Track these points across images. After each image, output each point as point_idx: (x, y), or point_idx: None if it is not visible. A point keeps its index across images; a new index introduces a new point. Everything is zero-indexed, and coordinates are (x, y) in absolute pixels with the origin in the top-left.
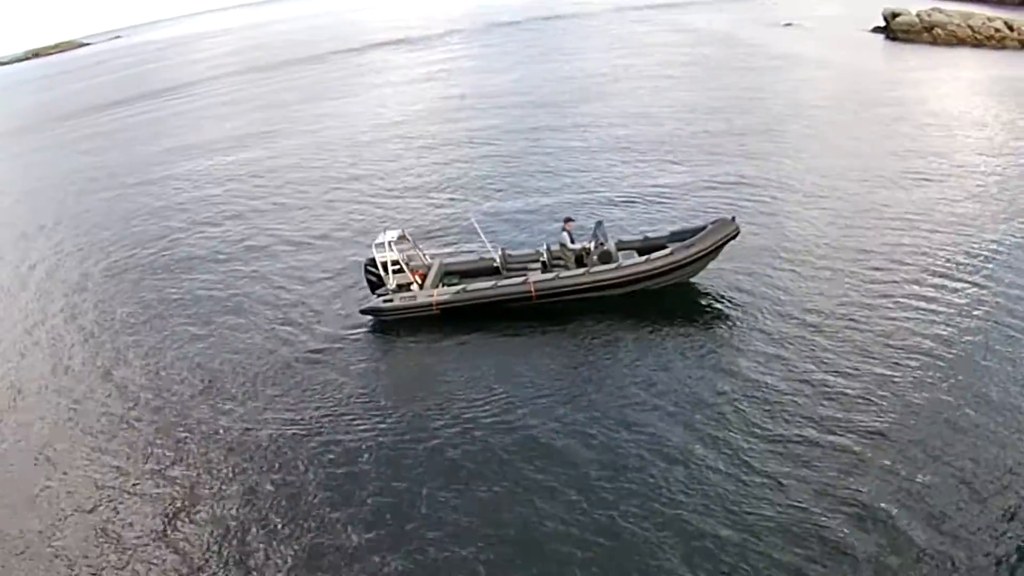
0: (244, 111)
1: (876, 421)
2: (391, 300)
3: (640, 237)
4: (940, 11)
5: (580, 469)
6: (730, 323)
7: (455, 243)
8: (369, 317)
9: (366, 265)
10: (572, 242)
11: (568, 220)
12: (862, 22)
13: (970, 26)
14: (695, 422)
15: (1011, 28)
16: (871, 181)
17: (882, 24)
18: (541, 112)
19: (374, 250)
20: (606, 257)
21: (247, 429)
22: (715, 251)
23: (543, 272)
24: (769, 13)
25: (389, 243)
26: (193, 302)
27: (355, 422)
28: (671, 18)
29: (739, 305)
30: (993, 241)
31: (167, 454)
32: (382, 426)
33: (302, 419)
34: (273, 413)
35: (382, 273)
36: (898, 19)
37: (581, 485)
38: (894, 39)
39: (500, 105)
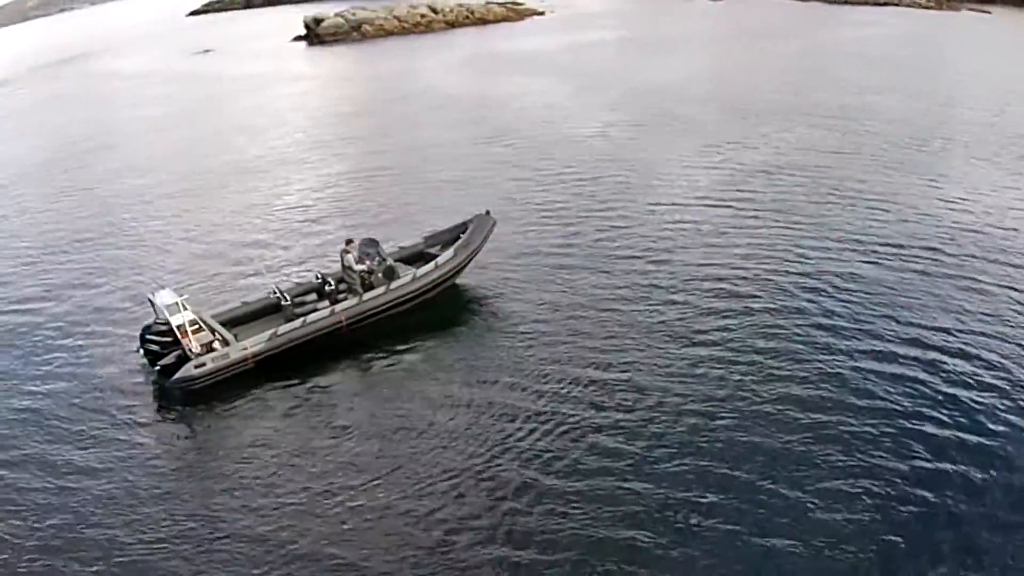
0: None
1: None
2: (203, 364)
3: (396, 248)
4: (364, 8)
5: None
6: (503, 318)
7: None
8: (155, 389)
9: (143, 335)
10: (357, 263)
11: (349, 241)
12: (282, 35)
13: (396, 17)
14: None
15: (436, 11)
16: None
17: (303, 32)
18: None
19: (166, 313)
20: (390, 273)
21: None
22: (482, 247)
23: (329, 300)
24: (186, 43)
25: (181, 303)
26: None
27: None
28: (101, 67)
29: (502, 298)
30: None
31: None
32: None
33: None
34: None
35: (181, 337)
36: (323, 24)
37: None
38: (321, 43)
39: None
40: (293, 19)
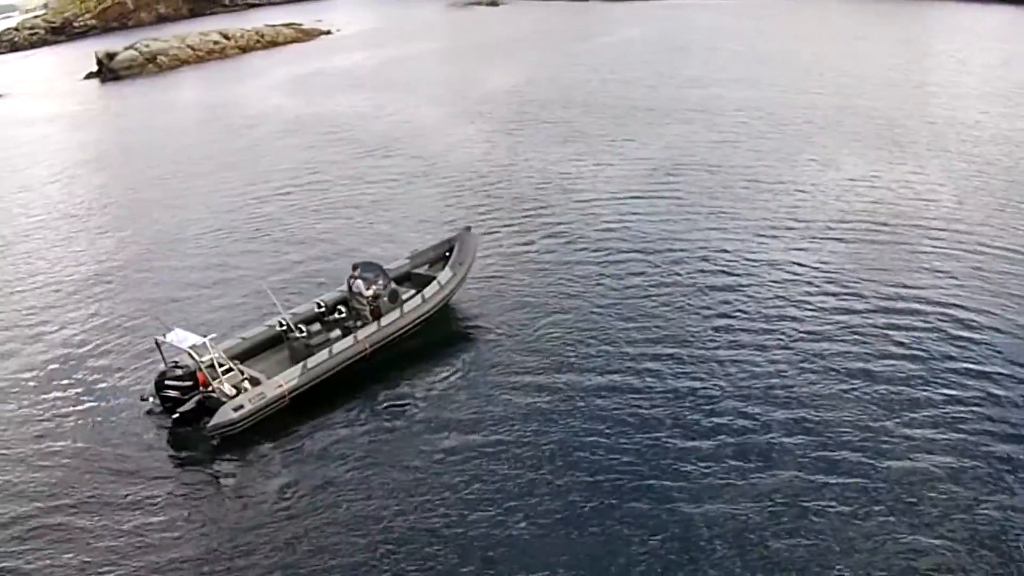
0: None
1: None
2: (241, 406)
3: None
4: (157, 39)
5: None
6: (500, 328)
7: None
8: (184, 438)
9: (160, 381)
10: (367, 290)
11: (356, 267)
12: (70, 74)
13: (190, 46)
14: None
15: (228, 38)
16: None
17: (95, 69)
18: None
19: (193, 355)
20: (395, 296)
21: None
22: (473, 263)
23: (339, 328)
24: None
25: (208, 343)
26: None
27: None
28: None
29: (488, 310)
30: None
31: None
32: None
33: None
34: None
35: (210, 379)
36: (117, 58)
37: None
38: (116, 79)
39: None
40: (72, 56)
